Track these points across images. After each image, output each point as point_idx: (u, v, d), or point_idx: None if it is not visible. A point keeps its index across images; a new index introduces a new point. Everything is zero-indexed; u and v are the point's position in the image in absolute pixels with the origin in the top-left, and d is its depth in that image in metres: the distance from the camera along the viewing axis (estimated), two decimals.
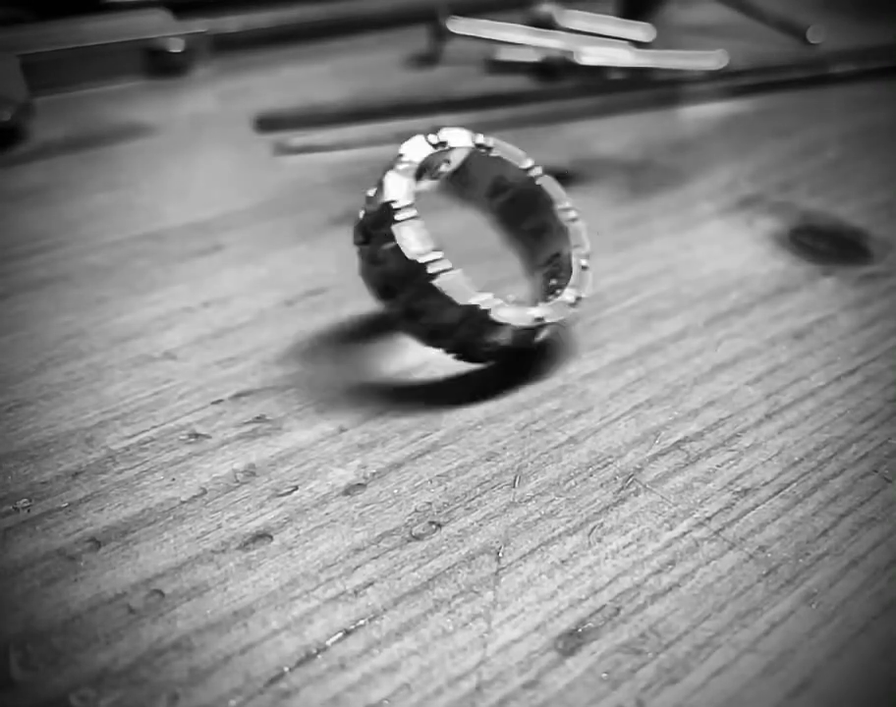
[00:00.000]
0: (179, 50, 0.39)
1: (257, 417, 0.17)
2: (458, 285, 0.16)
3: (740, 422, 0.16)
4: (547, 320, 0.16)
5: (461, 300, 0.15)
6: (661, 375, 0.17)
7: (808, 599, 0.12)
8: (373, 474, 0.15)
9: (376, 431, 0.16)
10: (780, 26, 0.42)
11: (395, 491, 0.15)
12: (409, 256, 0.15)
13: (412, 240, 0.16)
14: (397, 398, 0.17)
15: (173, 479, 0.15)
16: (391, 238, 0.16)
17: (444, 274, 0.16)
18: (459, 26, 0.39)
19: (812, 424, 0.16)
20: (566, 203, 0.19)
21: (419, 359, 0.18)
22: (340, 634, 0.12)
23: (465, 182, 0.19)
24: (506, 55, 0.38)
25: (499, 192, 0.19)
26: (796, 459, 0.15)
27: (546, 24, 0.40)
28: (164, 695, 0.11)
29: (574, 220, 0.18)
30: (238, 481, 0.15)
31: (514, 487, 0.15)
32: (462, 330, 0.16)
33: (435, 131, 0.18)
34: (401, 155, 0.17)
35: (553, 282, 0.18)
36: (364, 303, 0.20)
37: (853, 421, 0.16)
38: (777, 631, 0.12)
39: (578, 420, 0.16)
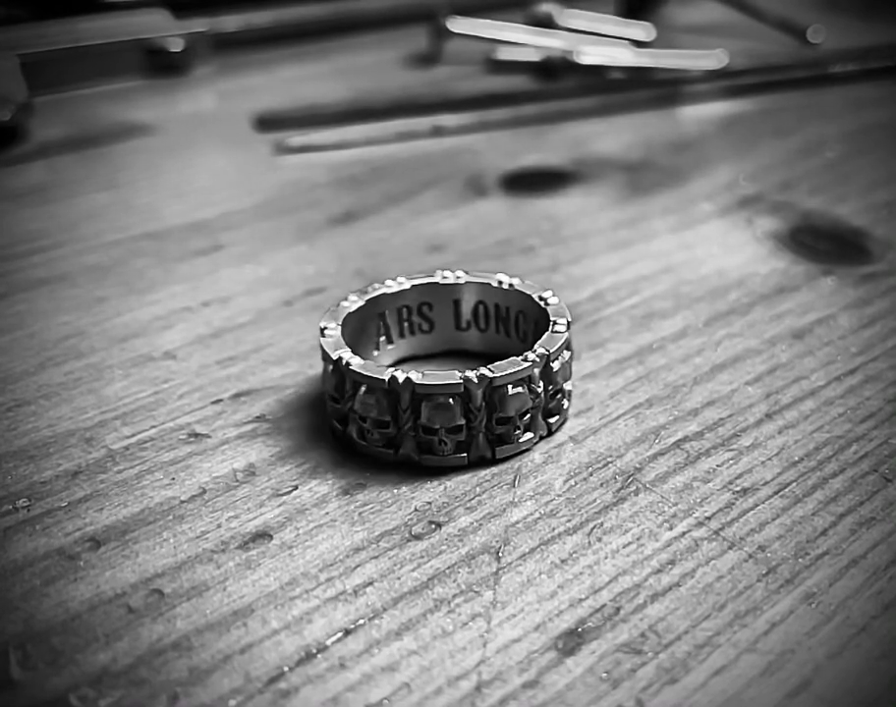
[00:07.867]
0: (178, 49, 0.39)
1: (257, 417, 0.17)
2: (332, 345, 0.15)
3: (740, 422, 0.16)
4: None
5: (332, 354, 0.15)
6: (661, 375, 0.17)
7: (807, 599, 0.12)
8: (373, 473, 0.15)
9: None
10: (780, 25, 0.42)
11: (395, 490, 0.15)
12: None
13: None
14: None
15: (173, 479, 0.15)
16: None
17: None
18: (459, 25, 0.39)
19: (812, 424, 0.16)
20: None
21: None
22: (340, 634, 0.12)
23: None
24: (506, 54, 0.38)
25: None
26: (796, 458, 0.15)
27: (546, 23, 0.40)
28: (164, 695, 0.11)
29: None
30: (237, 481, 0.15)
31: (514, 487, 0.15)
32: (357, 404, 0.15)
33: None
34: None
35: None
36: None
37: (853, 421, 0.16)
38: (777, 631, 0.12)
39: (577, 420, 0.16)
